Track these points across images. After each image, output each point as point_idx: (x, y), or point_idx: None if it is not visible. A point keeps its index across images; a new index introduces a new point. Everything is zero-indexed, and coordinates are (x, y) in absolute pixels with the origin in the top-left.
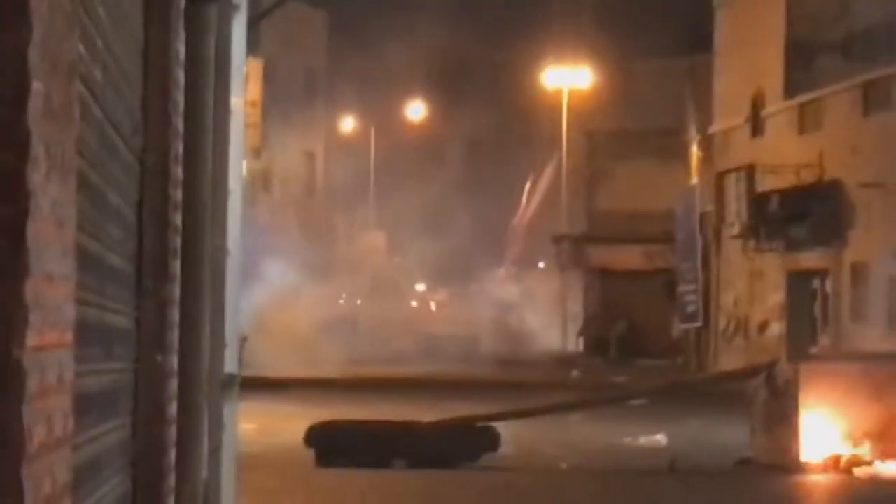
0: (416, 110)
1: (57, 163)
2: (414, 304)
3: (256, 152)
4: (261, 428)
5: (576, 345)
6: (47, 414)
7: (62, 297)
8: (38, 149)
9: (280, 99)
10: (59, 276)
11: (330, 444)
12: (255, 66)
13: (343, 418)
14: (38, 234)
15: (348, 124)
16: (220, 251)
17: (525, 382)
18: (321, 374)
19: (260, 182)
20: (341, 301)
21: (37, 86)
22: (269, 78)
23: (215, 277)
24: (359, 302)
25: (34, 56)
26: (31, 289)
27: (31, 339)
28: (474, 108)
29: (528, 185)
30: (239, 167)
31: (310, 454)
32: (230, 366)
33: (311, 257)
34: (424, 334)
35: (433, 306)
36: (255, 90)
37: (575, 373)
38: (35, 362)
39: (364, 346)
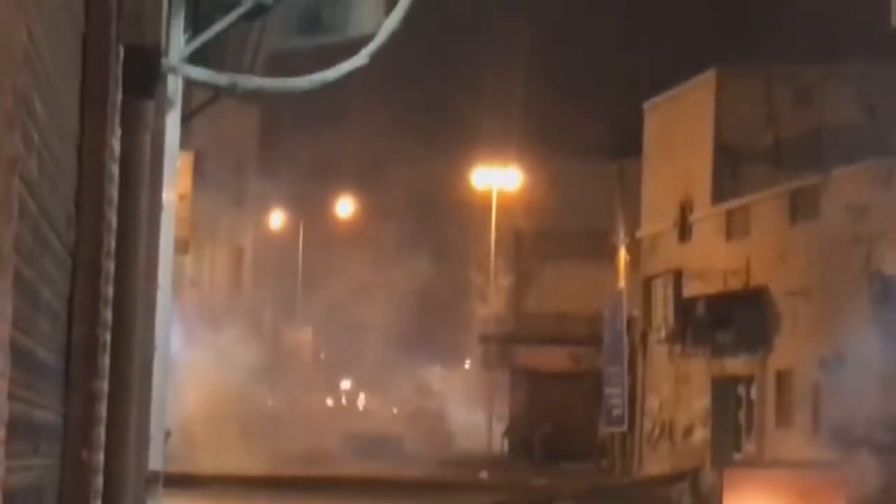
0: (344, 206)
1: None
2: (330, 402)
3: (185, 246)
4: None
5: (501, 445)
6: None
7: None
8: None
9: (210, 193)
10: None
11: None
12: (186, 160)
13: None
14: None
15: (277, 219)
16: (149, 346)
17: (450, 483)
18: (244, 471)
19: (188, 275)
20: (270, 402)
21: None
22: (199, 172)
23: (143, 372)
24: (280, 399)
25: None
26: None
27: None
28: (402, 205)
29: None
30: (169, 261)
31: None
32: (154, 462)
33: (239, 352)
34: (350, 432)
35: (360, 404)
36: (185, 183)
37: (483, 474)
38: None
39: (288, 443)
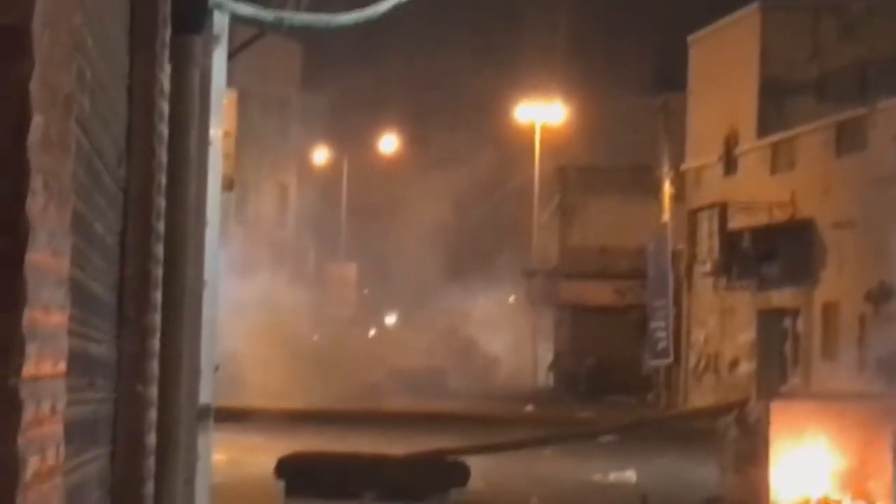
0: (388, 142)
1: (54, 194)
2: (374, 335)
3: (230, 183)
4: (230, 459)
5: (546, 379)
6: (41, 443)
7: (57, 327)
8: (36, 180)
9: (254, 130)
10: (55, 306)
11: (300, 476)
12: (231, 97)
13: (312, 450)
14: (36, 265)
15: (321, 156)
16: (198, 281)
17: (495, 417)
18: (290, 406)
19: (233, 212)
20: (315, 337)
21: (37, 117)
22: (243, 109)
23: (193, 307)
24: (324, 335)
25: (35, 87)
26: (28, 319)
27: (28, 370)
28: (446, 139)
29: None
30: (216, 198)
31: (279, 486)
32: (205, 396)
33: (283, 288)
34: (394, 366)
35: (404, 338)
36: (230, 121)
37: (529, 407)
38: (31, 392)
39: (333, 378)
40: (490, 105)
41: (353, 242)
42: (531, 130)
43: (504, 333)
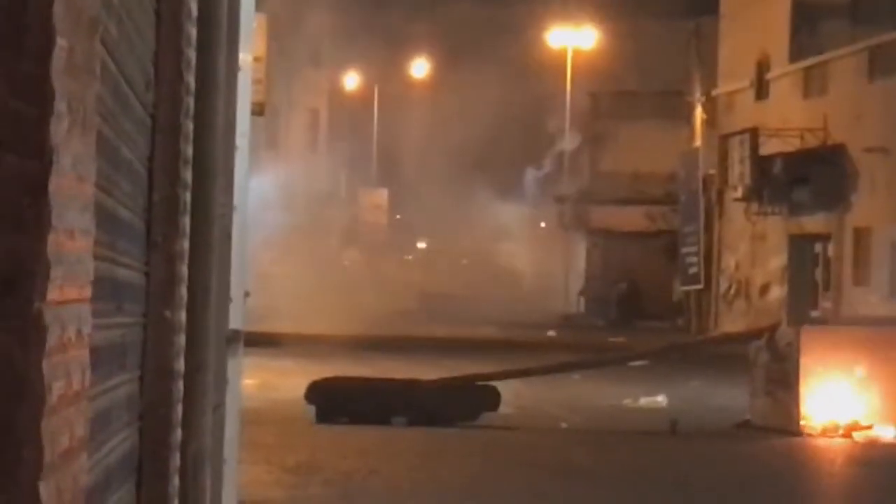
0: (419, 67)
1: (78, 118)
2: (407, 260)
3: (260, 108)
4: (261, 383)
5: (577, 305)
6: (66, 368)
7: (82, 251)
8: (60, 104)
9: (284, 56)
10: (80, 231)
11: (330, 401)
12: (261, 22)
13: (344, 375)
14: (60, 189)
15: (352, 81)
16: (227, 207)
17: (526, 342)
18: (320, 331)
19: (263, 138)
20: (346, 263)
21: (61, 41)
22: (273, 34)
23: (222, 233)
24: (356, 260)
25: (59, 10)
26: (53, 243)
27: (53, 294)
28: (478, 65)
29: None
30: (245, 123)
31: (310, 410)
32: (235, 321)
33: (315, 214)
34: (425, 291)
35: (435, 264)
36: (259, 46)
37: (554, 333)
38: (56, 317)
39: (364, 303)
40: (522, 30)
41: (384, 167)
42: (563, 56)
43: (535, 259)
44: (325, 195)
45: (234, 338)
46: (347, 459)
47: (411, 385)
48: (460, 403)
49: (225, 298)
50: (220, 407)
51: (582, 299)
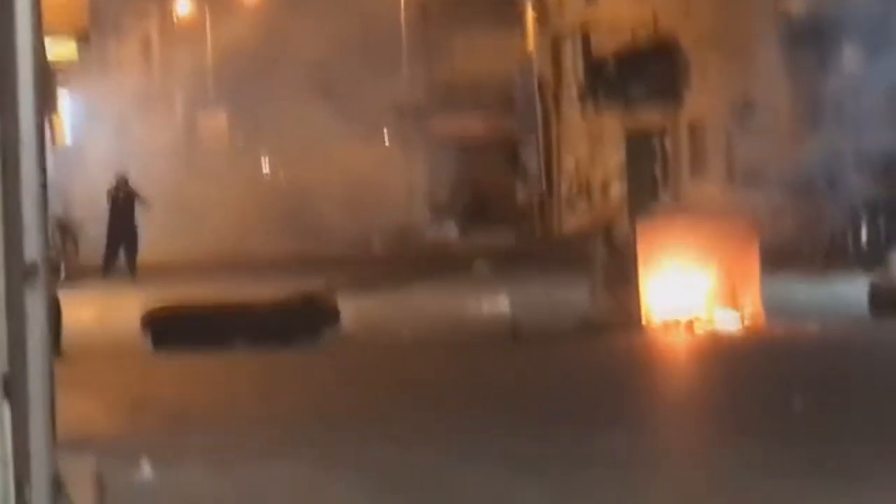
0: None
1: None
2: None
3: (85, 35)
4: (98, 316)
5: (422, 217)
6: None
7: None
8: None
9: None
10: None
11: (167, 329)
12: None
13: (179, 301)
14: None
15: (184, 7)
16: (10, 138)
17: (368, 257)
18: (161, 258)
19: (93, 67)
20: (187, 188)
21: None
22: None
23: (6, 167)
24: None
25: None
26: None
27: None
28: None
29: None
30: (27, 57)
31: (147, 340)
32: (33, 253)
33: (151, 139)
34: (273, 210)
35: (281, 181)
36: None
37: (376, 244)
38: None
39: (212, 226)
40: None
41: (223, 91)
42: None
43: (380, 173)
44: (160, 122)
45: (31, 270)
46: (185, 389)
47: (248, 306)
48: (299, 321)
49: (17, 231)
50: (18, 344)
51: (427, 210)
